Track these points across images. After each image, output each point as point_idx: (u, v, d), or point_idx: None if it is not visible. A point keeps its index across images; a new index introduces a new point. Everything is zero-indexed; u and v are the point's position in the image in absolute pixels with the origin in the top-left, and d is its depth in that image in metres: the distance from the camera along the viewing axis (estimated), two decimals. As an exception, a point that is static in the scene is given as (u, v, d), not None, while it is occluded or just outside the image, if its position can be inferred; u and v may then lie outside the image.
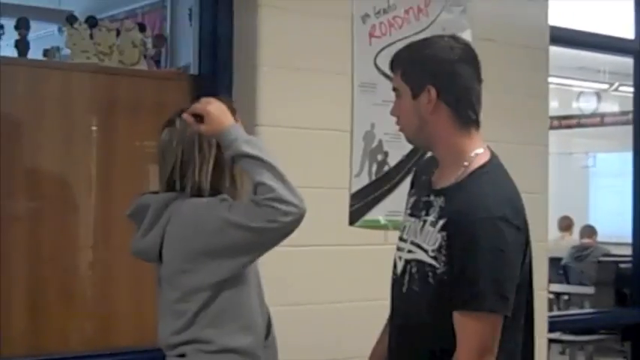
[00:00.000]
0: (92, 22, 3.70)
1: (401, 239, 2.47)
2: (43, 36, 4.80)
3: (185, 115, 2.44)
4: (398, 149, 3.93)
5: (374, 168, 3.89)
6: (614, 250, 9.16)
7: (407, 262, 2.40)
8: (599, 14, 5.26)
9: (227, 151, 2.38)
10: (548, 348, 4.95)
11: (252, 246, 2.37)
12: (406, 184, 4.06)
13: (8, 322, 3.32)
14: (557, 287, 8.80)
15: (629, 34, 5.21)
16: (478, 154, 2.35)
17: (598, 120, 12.09)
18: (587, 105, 12.03)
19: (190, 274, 2.38)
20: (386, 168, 3.93)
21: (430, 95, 2.32)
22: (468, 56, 2.37)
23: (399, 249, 2.47)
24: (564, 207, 10.14)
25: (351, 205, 3.83)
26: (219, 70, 3.70)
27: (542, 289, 4.37)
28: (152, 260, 2.48)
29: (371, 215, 3.88)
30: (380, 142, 3.90)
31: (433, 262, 2.29)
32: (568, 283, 9.49)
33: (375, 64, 3.89)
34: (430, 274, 2.30)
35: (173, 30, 4.37)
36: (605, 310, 7.22)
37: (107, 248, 3.65)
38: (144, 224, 2.46)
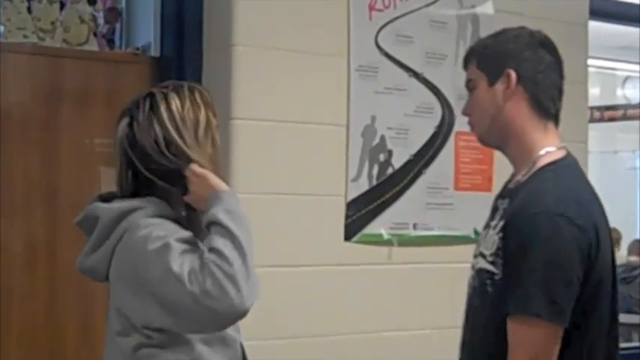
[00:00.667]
0: (30, -8, 3.72)
1: (474, 256, 2.64)
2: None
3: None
4: (404, 147, 3.94)
5: (375, 170, 3.90)
6: (670, 271, 9.17)
7: (471, 276, 2.58)
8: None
9: (206, 214, 2.40)
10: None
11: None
12: (414, 189, 4.11)
13: None
14: (599, 315, 8.79)
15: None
16: (549, 152, 2.52)
17: (649, 111, 12.13)
18: (634, 93, 12.05)
19: (131, 306, 2.40)
20: (390, 170, 3.94)
21: (510, 79, 2.52)
22: (550, 45, 2.60)
23: (472, 268, 2.64)
24: (608, 217, 10.14)
25: (348, 217, 3.84)
26: (185, 51, 3.70)
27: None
28: (100, 280, 2.49)
29: (371, 228, 3.89)
30: (382, 138, 3.91)
31: (491, 267, 2.45)
32: (613, 310, 9.49)
33: (377, 44, 3.89)
34: (488, 281, 2.45)
35: (129, 3, 4.36)
36: (657, 343, 7.24)
37: (51, 263, 3.65)
38: (92, 239, 2.47)
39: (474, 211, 4.08)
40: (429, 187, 4.02)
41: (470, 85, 2.61)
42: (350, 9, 3.85)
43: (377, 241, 3.89)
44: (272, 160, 3.64)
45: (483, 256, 2.49)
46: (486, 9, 4.16)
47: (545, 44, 2.59)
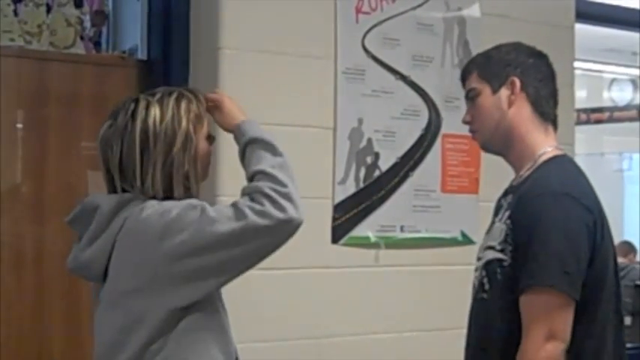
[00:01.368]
0: (16, -6, 3.72)
1: (477, 258, 2.73)
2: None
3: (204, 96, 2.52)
4: (391, 150, 3.95)
5: (362, 173, 3.90)
6: (656, 272, 9.19)
7: (476, 277, 2.68)
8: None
9: (241, 139, 2.50)
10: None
11: (230, 262, 2.37)
12: (401, 192, 4.12)
13: None
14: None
15: (672, 8, 5.25)
16: (547, 152, 2.68)
17: (634, 113, 12.13)
18: (621, 95, 12.07)
19: (142, 294, 2.36)
20: (377, 173, 3.94)
21: (514, 86, 2.68)
22: (546, 58, 2.77)
23: (475, 270, 2.72)
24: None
25: (335, 219, 3.84)
26: (172, 54, 3.70)
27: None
28: (94, 277, 2.44)
29: (359, 231, 3.89)
30: (369, 141, 3.92)
31: (500, 254, 2.57)
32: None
33: (363, 46, 3.90)
34: (498, 269, 2.57)
35: (116, 6, 4.36)
36: (644, 345, 7.24)
37: (37, 266, 3.65)
38: (90, 230, 2.42)
39: (461, 214, 4.10)
40: (416, 190, 4.03)
41: (471, 95, 2.74)
42: (337, 12, 3.85)
43: (364, 243, 3.89)
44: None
45: (491, 247, 2.60)
46: (473, 12, 4.17)
47: (542, 56, 2.77)
